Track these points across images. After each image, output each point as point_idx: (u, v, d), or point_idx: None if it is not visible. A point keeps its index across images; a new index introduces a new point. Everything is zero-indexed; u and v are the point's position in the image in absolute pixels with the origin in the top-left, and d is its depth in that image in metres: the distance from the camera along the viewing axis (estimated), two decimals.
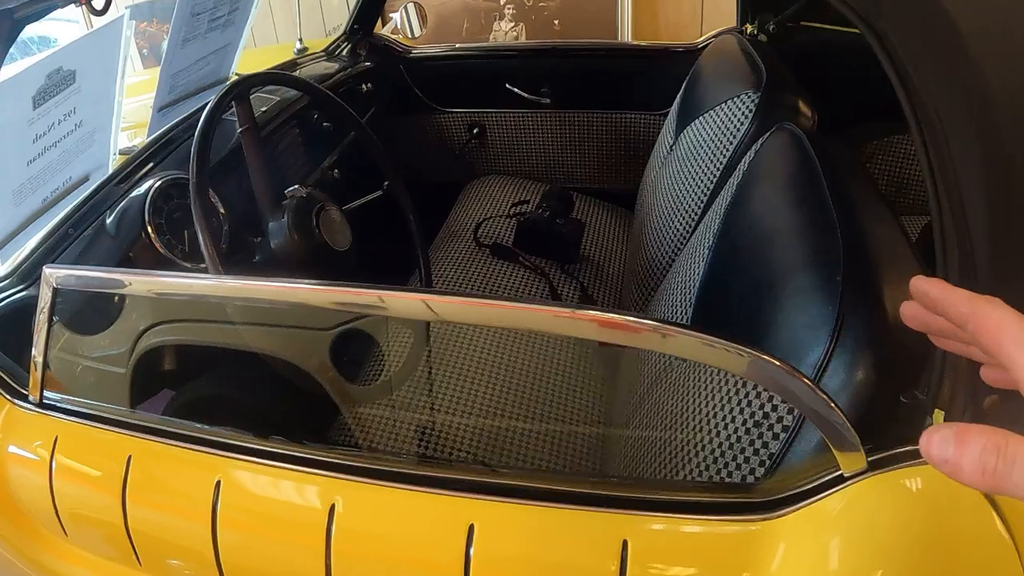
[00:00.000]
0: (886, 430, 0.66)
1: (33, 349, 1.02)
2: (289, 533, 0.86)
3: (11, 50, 1.10)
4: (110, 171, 1.49)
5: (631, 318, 0.63)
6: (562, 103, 2.24)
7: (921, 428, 0.62)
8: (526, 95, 2.24)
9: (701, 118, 1.58)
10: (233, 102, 1.28)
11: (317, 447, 0.87)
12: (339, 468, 0.83)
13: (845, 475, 0.63)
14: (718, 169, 1.42)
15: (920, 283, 0.48)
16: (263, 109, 1.74)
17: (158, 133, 1.59)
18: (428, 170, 2.52)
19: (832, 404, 0.59)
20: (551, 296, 1.76)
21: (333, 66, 2.20)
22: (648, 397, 1.16)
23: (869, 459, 0.62)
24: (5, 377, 1.10)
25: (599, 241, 2.02)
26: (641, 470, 1.07)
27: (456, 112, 2.38)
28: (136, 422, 0.98)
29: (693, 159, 1.54)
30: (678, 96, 1.86)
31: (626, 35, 3.25)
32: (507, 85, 2.24)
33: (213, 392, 1.55)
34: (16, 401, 1.07)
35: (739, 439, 0.84)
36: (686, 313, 1.18)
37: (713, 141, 1.48)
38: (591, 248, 1.98)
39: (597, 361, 1.60)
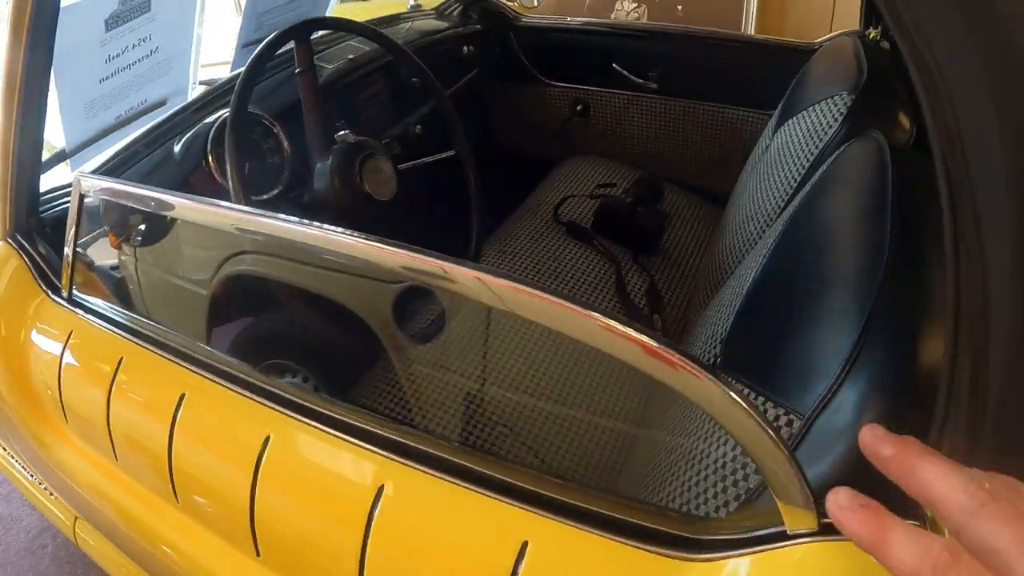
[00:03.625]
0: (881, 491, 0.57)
1: (65, 248, 1.10)
2: (332, 504, 0.82)
3: None
4: (189, 99, 1.51)
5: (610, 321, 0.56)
6: (669, 90, 2.14)
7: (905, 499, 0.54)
8: (633, 77, 2.15)
9: (795, 118, 1.48)
10: (293, 42, 1.27)
11: (374, 419, 0.83)
12: (395, 448, 0.78)
13: (788, 532, 0.55)
14: (800, 173, 1.33)
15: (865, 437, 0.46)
16: (350, 56, 1.73)
17: (242, 68, 1.60)
18: (525, 142, 2.47)
19: (779, 444, 0.51)
20: (616, 285, 1.68)
21: (441, 24, 2.18)
22: (656, 412, 1.10)
23: (823, 520, 0.54)
24: (47, 271, 1.19)
25: (683, 237, 1.92)
26: (638, 489, 1.01)
27: (560, 86, 2.32)
28: (136, 327, 1.04)
29: (780, 162, 1.44)
30: (786, 93, 1.74)
31: (750, 29, 3.11)
32: (614, 64, 2.15)
33: (280, 328, 1.58)
34: (49, 293, 1.17)
35: (717, 470, 0.76)
36: (726, 323, 1.10)
37: (801, 143, 1.38)
38: (673, 243, 1.89)
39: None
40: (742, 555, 0.58)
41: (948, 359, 0.49)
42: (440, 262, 0.66)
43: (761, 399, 0.79)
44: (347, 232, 0.72)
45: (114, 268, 1.23)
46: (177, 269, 1.37)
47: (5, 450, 1.73)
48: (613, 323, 0.54)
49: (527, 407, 1.38)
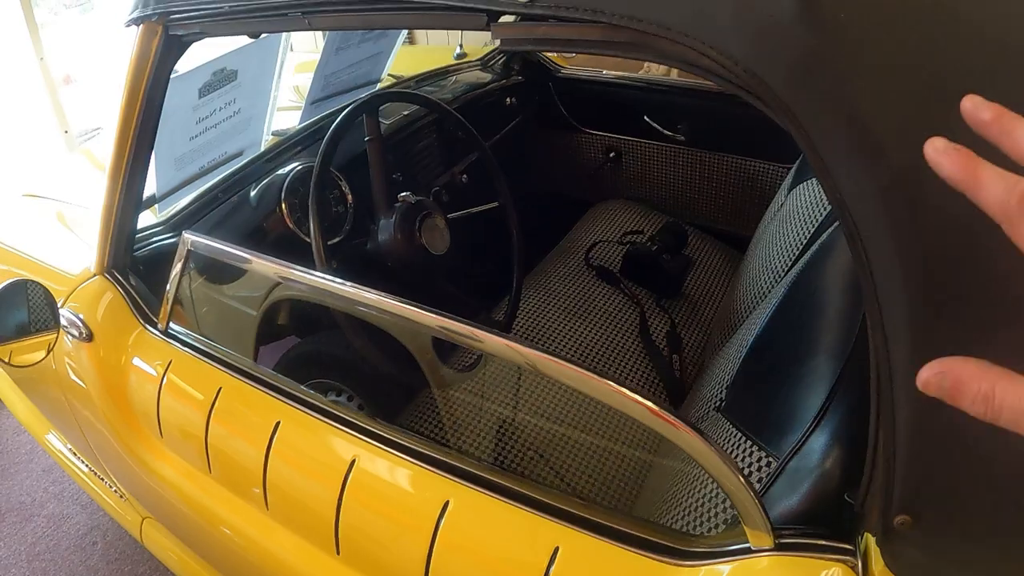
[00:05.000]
0: (834, 522, 0.74)
1: (168, 286, 1.28)
2: (406, 514, 1.00)
3: None
4: (262, 150, 1.70)
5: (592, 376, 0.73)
6: (696, 142, 2.30)
7: (852, 528, 0.70)
8: (663, 130, 2.31)
9: (806, 182, 1.61)
10: (364, 115, 1.45)
11: (441, 448, 1.00)
12: (458, 472, 0.96)
13: (752, 548, 0.72)
14: (805, 237, 1.45)
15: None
16: (405, 112, 1.91)
17: (310, 121, 1.79)
18: (562, 185, 2.65)
19: (744, 483, 0.68)
20: (640, 326, 1.85)
21: (485, 76, 2.36)
22: (667, 446, 1.26)
23: (778, 540, 0.71)
24: (143, 305, 1.37)
25: (704, 281, 2.08)
26: (639, 513, 1.17)
27: (596, 134, 2.49)
28: (232, 362, 1.22)
29: (791, 222, 1.57)
30: (802, 153, 1.87)
31: None
32: (646, 118, 2.32)
33: (327, 349, 1.77)
34: (147, 326, 1.35)
35: (711, 498, 0.92)
36: (732, 370, 1.26)
37: (810, 207, 1.51)
38: (694, 286, 2.04)
39: None
40: (716, 563, 0.75)
41: (872, 432, 0.65)
42: (473, 329, 0.84)
43: (749, 442, 0.96)
44: (403, 301, 0.91)
45: (182, 296, 1.41)
46: (232, 293, 1.56)
47: (75, 454, 1.93)
48: (623, 389, 0.71)
49: (559, 436, 1.55)
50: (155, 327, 1.34)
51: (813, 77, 0.57)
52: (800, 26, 0.56)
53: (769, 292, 1.51)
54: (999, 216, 0.42)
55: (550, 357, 0.78)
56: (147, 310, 1.37)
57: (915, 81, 0.54)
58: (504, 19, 0.72)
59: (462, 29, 0.74)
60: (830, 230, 1.31)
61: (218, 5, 1.00)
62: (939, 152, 0.44)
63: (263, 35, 1.35)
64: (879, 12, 0.55)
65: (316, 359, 1.81)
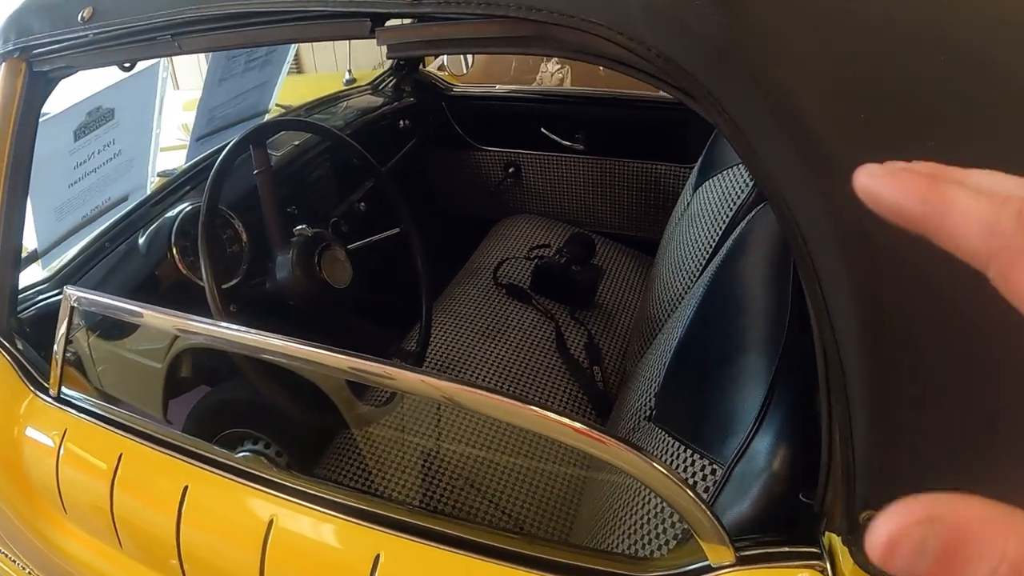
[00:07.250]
0: (791, 525, 0.70)
1: (55, 349, 1.17)
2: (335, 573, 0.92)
3: None
4: (148, 192, 1.60)
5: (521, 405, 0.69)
6: (595, 150, 2.29)
7: (810, 531, 0.67)
8: (561, 140, 2.29)
9: (715, 178, 1.60)
10: (251, 147, 1.38)
11: (367, 499, 0.93)
12: (388, 522, 0.89)
13: (712, 565, 0.68)
14: (717, 234, 1.45)
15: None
16: (296, 143, 1.84)
17: (196, 159, 1.70)
18: (464, 204, 2.60)
19: (695, 498, 0.64)
20: (557, 341, 1.81)
21: (377, 100, 2.30)
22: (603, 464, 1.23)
23: (739, 554, 0.67)
24: (32, 370, 1.25)
25: (616, 289, 2.06)
26: (580, 534, 1.13)
27: (493, 151, 2.45)
28: (132, 425, 1.12)
29: (699, 221, 1.56)
30: (703, 152, 1.88)
31: None
32: (542, 129, 2.29)
33: (238, 396, 1.67)
34: (38, 393, 1.23)
35: (657, 513, 0.88)
36: (659, 377, 1.22)
37: (718, 203, 1.50)
38: (607, 295, 2.02)
39: None
40: None
41: (825, 429, 0.62)
42: (385, 367, 0.79)
43: (689, 451, 0.92)
44: (309, 344, 0.84)
45: (80, 356, 1.31)
46: (132, 347, 1.46)
47: None
48: (548, 413, 0.66)
49: (489, 462, 1.49)
50: (47, 393, 1.23)
51: (733, 59, 0.53)
52: (716, 4, 0.52)
53: (685, 293, 1.49)
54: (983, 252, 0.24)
55: (467, 388, 0.73)
56: (37, 376, 1.25)
57: (839, 63, 0.51)
58: (391, 23, 0.67)
59: (344, 38, 0.69)
60: (742, 224, 1.30)
61: (81, 34, 0.92)
62: (876, 178, 0.27)
63: (137, 66, 1.26)
64: None
65: (229, 408, 1.72)
